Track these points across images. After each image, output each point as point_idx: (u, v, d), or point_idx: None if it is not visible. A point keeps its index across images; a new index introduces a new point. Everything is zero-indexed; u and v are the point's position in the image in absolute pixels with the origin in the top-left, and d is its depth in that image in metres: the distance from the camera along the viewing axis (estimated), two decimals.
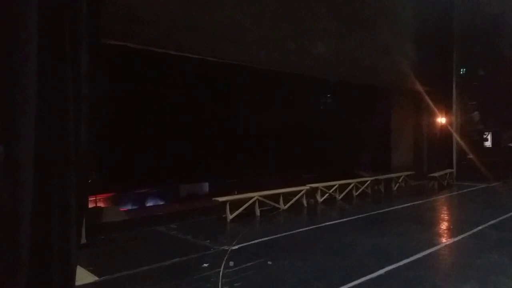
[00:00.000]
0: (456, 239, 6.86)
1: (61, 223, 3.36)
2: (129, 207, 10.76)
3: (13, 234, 2.98)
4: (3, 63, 2.82)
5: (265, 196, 9.58)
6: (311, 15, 11.40)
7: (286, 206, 9.98)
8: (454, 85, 16.65)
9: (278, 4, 10.60)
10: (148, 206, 11.27)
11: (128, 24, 7.70)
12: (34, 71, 2.89)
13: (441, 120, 17.03)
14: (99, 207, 9.27)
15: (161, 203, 11.60)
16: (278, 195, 9.91)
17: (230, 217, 8.66)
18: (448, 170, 15.36)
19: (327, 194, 11.29)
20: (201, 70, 11.78)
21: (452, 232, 7.59)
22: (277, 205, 9.87)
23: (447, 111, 16.88)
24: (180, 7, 8.57)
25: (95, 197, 9.18)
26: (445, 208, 10.93)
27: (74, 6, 3.33)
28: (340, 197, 11.59)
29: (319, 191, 11.11)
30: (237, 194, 9.51)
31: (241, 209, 8.94)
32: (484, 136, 17.54)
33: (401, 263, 5.48)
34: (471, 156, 15.96)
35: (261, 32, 10.17)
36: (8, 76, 2.83)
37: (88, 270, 5.37)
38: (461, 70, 17.03)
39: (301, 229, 7.76)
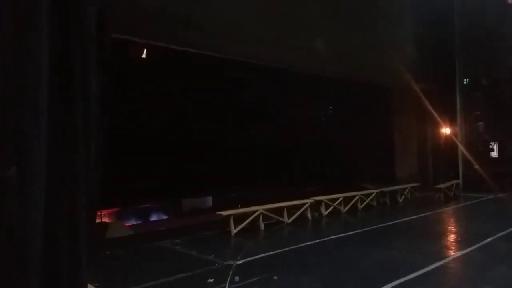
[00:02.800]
0: (464, 251, 6.74)
1: (72, 241, 3.35)
2: (133, 222, 10.72)
3: (23, 252, 2.97)
4: (14, 83, 2.86)
5: (269, 210, 9.52)
6: (309, 13, 11.41)
7: (290, 220, 9.89)
8: (457, 96, 16.64)
9: (276, 2, 10.64)
10: (152, 221, 11.22)
11: (130, 19, 7.74)
12: (45, 91, 2.93)
13: (446, 130, 16.96)
14: (104, 222, 9.25)
15: (165, 217, 11.55)
16: (282, 208, 9.84)
17: (234, 231, 8.59)
18: (454, 181, 15.22)
19: (331, 207, 11.20)
20: (201, 84, 11.90)
21: (460, 244, 7.47)
22: (281, 219, 9.79)
23: (451, 121, 16.83)
24: (181, 2, 8.64)
25: (100, 212, 9.16)
26: (452, 220, 10.79)
27: (83, 24, 3.39)
28: (345, 210, 11.48)
29: (323, 204, 11.03)
30: (241, 207, 9.44)
31: (245, 223, 8.88)
32: (490, 146, 17.42)
33: (409, 277, 5.37)
34: (477, 166, 15.82)
35: (261, 29, 10.20)
36: (19, 96, 2.87)
37: (94, 286, 5.31)
38: (464, 80, 17.03)
39: (306, 243, 7.67)
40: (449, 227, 9.76)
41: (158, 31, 8.39)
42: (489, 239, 7.49)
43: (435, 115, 16.45)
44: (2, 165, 2.74)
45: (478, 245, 7.12)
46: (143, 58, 10.32)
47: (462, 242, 7.67)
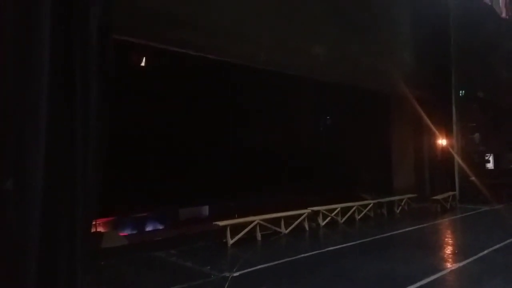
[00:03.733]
0: (461, 264, 6.73)
1: (68, 251, 3.33)
2: (128, 231, 10.62)
3: (20, 264, 2.95)
4: (15, 100, 2.86)
5: (266, 220, 9.46)
6: (310, 17, 11.43)
7: (288, 230, 9.84)
8: (453, 107, 16.73)
9: (278, 4, 10.67)
10: (148, 231, 11.13)
11: (129, 19, 7.70)
12: (44, 107, 2.93)
13: (442, 141, 17.03)
14: (99, 232, 9.16)
15: (161, 227, 11.46)
16: (279, 218, 9.79)
17: (230, 241, 8.53)
18: (451, 193, 15.23)
19: (329, 218, 11.16)
20: (198, 91, 11.92)
21: (457, 256, 7.46)
22: (278, 229, 9.73)
23: (447, 133, 16.90)
24: (180, 3, 8.65)
25: (95, 221, 9.08)
26: (449, 232, 10.79)
27: (84, 40, 3.40)
28: (342, 220, 11.44)
29: (320, 214, 10.99)
30: (238, 217, 9.39)
31: (242, 233, 8.82)
32: (486, 158, 17.50)
33: None
34: (473, 178, 15.86)
35: (261, 32, 10.21)
36: (19, 112, 2.87)
37: None
38: (460, 92, 17.15)
39: (303, 255, 7.62)
40: (446, 239, 9.74)
41: (156, 31, 8.36)
42: (485, 251, 7.48)
43: (432, 125, 16.52)
44: (0, 177, 2.73)
45: (475, 257, 7.11)
46: (141, 63, 10.35)
47: (459, 254, 7.65)
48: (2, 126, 2.92)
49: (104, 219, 10.10)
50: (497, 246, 7.96)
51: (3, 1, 3.03)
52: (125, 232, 10.46)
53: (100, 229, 9.68)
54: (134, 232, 10.82)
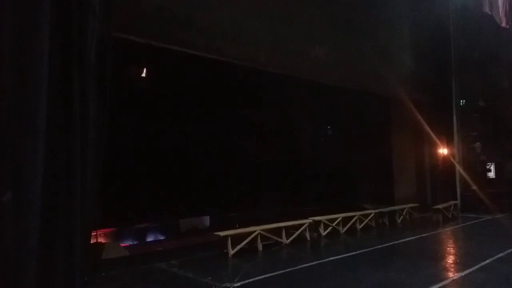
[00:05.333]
0: (463, 273, 6.69)
1: (66, 264, 3.34)
2: (130, 242, 10.62)
3: (18, 276, 2.97)
4: (14, 115, 2.91)
5: (267, 230, 9.45)
6: (309, 19, 11.57)
7: (289, 240, 9.82)
8: (454, 117, 16.76)
9: (276, 7, 10.79)
10: (149, 242, 11.12)
11: (131, 18, 7.80)
12: (43, 119, 2.98)
13: (443, 151, 17.03)
14: (100, 243, 9.16)
15: (162, 238, 11.45)
16: (280, 228, 9.77)
17: (231, 252, 8.51)
18: (452, 202, 15.18)
19: (330, 228, 11.13)
20: (196, 103, 12.02)
21: (459, 266, 7.42)
22: (279, 239, 9.71)
23: (448, 142, 16.91)
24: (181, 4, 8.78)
25: (96, 232, 9.08)
26: (451, 241, 10.73)
27: (83, 52, 3.47)
28: (344, 230, 11.40)
29: (322, 224, 10.96)
30: (239, 228, 9.38)
31: (242, 243, 8.79)
32: (487, 167, 17.45)
33: None
34: (474, 187, 15.82)
35: (260, 33, 10.30)
36: (18, 126, 2.91)
37: None
38: (461, 101, 17.20)
39: (304, 265, 7.60)
40: (448, 248, 9.69)
41: (157, 31, 8.47)
42: (488, 261, 7.43)
43: (433, 135, 16.55)
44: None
45: (477, 266, 7.06)
46: (140, 74, 10.46)
47: (461, 264, 7.61)
48: (0, 138, 2.96)
49: (106, 230, 10.11)
50: (499, 255, 7.91)
51: (3, 10, 3.09)
52: (127, 243, 10.46)
53: (102, 240, 9.69)
54: (136, 243, 10.82)
